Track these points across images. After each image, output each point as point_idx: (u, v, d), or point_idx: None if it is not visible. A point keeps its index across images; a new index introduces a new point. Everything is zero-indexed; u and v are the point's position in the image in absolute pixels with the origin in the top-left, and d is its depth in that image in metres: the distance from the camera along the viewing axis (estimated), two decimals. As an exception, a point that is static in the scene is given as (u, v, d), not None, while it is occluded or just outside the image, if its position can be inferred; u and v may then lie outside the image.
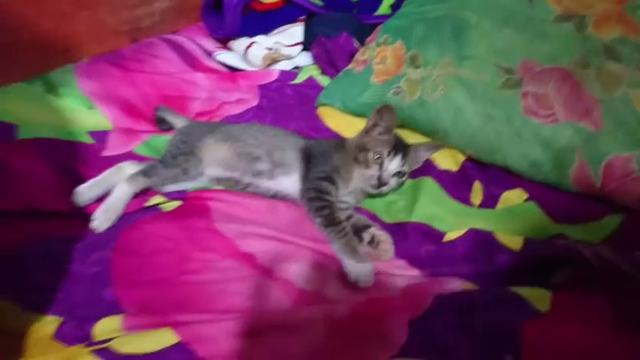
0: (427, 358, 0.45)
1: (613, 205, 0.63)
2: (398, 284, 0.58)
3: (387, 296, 0.53)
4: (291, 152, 0.71)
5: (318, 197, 0.65)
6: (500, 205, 0.68)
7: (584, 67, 0.69)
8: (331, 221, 0.63)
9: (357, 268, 0.58)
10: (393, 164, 0.68)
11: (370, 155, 0.68)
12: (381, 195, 0.71)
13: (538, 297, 0.49)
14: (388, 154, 0.68)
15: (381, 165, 0.68)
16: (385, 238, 0.64)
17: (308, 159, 0.71)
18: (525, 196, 0.68)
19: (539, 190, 0.68)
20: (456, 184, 0.74)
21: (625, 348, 0.44)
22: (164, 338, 0.47)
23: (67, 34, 0.95)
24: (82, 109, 0.88)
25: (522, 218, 0.65)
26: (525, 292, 0.50)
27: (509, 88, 0.73)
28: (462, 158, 0.77)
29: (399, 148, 0.70)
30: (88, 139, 0.82)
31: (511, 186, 0.70)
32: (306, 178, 0.69)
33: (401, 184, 0.71)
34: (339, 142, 0.76)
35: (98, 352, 0.47)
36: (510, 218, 0.66)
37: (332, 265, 0.59)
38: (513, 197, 0.68)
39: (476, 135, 0.74)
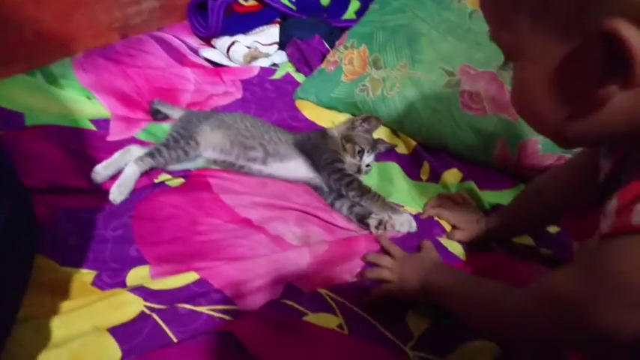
0: None
1: (523, 177, 0.83)
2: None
3: (354, 237, 0.70)
4: (285, 147, 0.84)
5: (342, 176, 0.77)
6: (441, 182, 0.85)
7: (506, 71, 0.87)
8: (363, 190, 0.75)
9: (400, 219, 0.72)
10: (369, 158, 0.86)
11: (356, 147, 0.84)
12: None
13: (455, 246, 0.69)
14: (368, 151, 0.85)
15: (361, 157, 0.84)
16: (388, 217, 0.72)
17: (306, 153, 0.83)
18: (461, 175, 0.84)
19: (470, 168, 0.86)
20: (409, 165, 0.90)
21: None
22: (187, 277, 0.59)
23: (66, 30, 1.02)
24: (82, 99, 0.94)
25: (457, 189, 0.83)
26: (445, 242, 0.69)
27: (450, 87, 0.89)
28: (413, 144, 0.93)
29: (374, 146, 0.87)
30: (91, 126, 0.89)
31: (450, 166, 0.86)
32: (319, 167, 0.81)
33: (367, 172, 0.88)
34: (320, 132, 0.90)
35: (133, 290, 0.56)
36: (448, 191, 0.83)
37: (314, 222, 0.74)
38: (451, 176, 0.84)
39: (424, 124, 0.91)
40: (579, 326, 0.35)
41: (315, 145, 0.84)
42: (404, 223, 0.71)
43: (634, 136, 0.34)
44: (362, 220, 0.74)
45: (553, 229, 0.74)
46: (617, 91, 0.30)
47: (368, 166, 0.87)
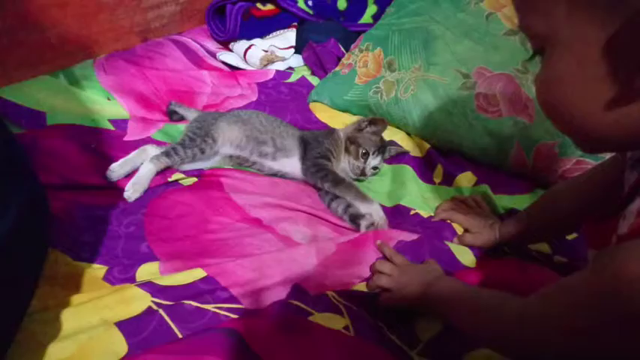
0: None
1: (540, 182, 0.81)
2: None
3: (363, 237, 0.69)
4: (291, 140, 0.85)
5: (319, 169, 0.79)
6: (454, 185, 0.83)
7: (523, 73, 0.85)
8: (337, 181, 0.77)
9: (371, 209, 0.73)
10: (375, 161, 0.85)
11: (360, 150, 0.83)
12: (359, 180, 0.86)
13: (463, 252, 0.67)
14: (373, 153, 0.83)
15: (365, 160, 0.84)
16: (382, 222, 0.73)
17: (305, 146, 0.84)
18: (475, 179, 0.83)
19: (484, 172, 0.84)
20: (422, 168, 0.89)
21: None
22: (195, 274, 0.59)
23: (88, 33, 1.06)
24: (102, 100, 0.97)
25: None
26: (454, 248, 0.68)
27: (465, 90, 0.88)
28: (427, 146, 0.92)
29: (381, 149, 0.85)
30: (110, 126, 0.92)
31: (464, 169, 0.85)
32: (304, 159, 0.82)
33: (374, 174, 0.87)
34: (328, 130, 0.90)
35: (141, 285, 0.57)
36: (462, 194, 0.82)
37: (323, 223, 0.74)
38: (464, 179, 0.83)
39: (438, 127, 0.90)
40: (588, 335, 0.33)
41: (314, 140, 0.85)
42: (372, 213, 0.72)
43: None
44: (354, 221, 0.74)
45: (570, 236, 0.72)
46: None
47: (376, 168, 0.86)
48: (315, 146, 0.83)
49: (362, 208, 0.73)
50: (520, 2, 0.36)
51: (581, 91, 0.33)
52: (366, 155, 0.84)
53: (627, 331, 0.30)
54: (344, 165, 0.85)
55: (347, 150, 0.85)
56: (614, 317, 0.30)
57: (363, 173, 0.84)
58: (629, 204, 0.32)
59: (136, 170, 0.78)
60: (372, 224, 0.72)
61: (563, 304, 0.35)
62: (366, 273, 0.64)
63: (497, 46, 0.90)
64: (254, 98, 1.08)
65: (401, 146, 0.94)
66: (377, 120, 0.86)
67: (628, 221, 0.31)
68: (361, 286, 0.63)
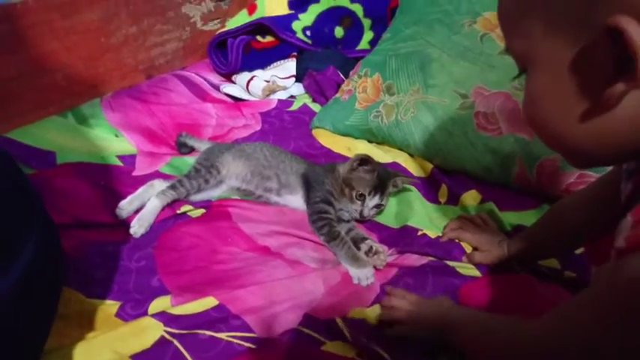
0: None
1: (545, 197, 0.81)
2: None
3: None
4: (294, 177, 0.84)
5: (318, 218, 0.76)
6: (460, 204, 0.84)
7: (521, 90, 0.87)
8: (332, 236, 0.73)
9: (358, 273, 0.68)
10: (374, 201, 0.79)
11: (354, 192, 0.79)
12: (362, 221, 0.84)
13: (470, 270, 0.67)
14: (369, 194, 0.78)
15: (363, 202, 0.79)
16: (382, 250, 0.73)
17: (307, 185, 0.83)
18: (480, 197, 0.83)
19: (489, 189, 0.85)
20: (427, 188, 0.90)
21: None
22: (206, 302, 0.60)
23: (94, 73, 1.09)
24: (110, 137, 1.00)
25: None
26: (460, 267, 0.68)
27: (464, 109, 0.90)
28: (430, 167, 0.92)
29: (379, 186, 0.79)
30: (118, 162, 0.94)
31: (469, 188, 0.85)
32: (308, 203, 0.81)
33: (379, 212, 0.83)
34: (330, 167, 0.87)
35: (154, 315, 0.58)
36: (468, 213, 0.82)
37: (328, 249, 0.74)
38: (470, 197, 0.83)
39: (440, 148, 0.91)
40: (595, 354, 0.33)
41: (315, 181, 0.83)
42: (361, 278, 0.68)
43: None
44: (355, 244, 0.74)
45: (579, 250, 0.71)
46: (626, 90, 0.30)
47: (380, 206, 0.81)
48: (316, 188, 0.81)
49: (351, 270, 0.69)
50: (503, 26, 0.39)
51: (557, 107, 0.35)
52: (362, 197, 0.79)
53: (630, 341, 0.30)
54: (344, 205, 0.82)
55: (343, 192, 0.80)
56: (616, 331, 0.31)
57: (361, 216, 0.80)
58: (624, 216, 0.33)
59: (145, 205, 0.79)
60: (371, 250, 0.72)
61: (564, 332, 0.36)
62: (370, 299, 0.65)
63: (493, 65, 0.92)
64: (258, 128, 1.10)
65: (408, 176, 0.91)
66: (367, 159, 0.80)
67: (623, 234, 0.32)
68: (367, 312, 0.63)
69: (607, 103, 0.31)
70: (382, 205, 0.82)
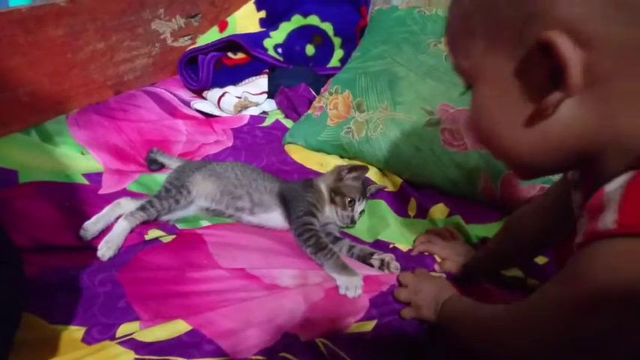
0: (382, 320, 0.62)
1: (509, 210, 0.84)
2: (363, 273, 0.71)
3: None
4: (268, 195, 0.84)
5: (304, 230, 0.76)
6: (428, 217, 0.86)
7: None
8: (318, 247, 0.73)
9: (346, 281, 0.67)
10: (362, 206, 0.85)
11: (346, 199, 0.83)
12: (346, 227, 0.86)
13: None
14: (359, 199, 0.84)
15: (353, 207, 0.84)
16: (390, 258, 0.74)
17: (285, 203, 0.83)
18: (447, 210, 0.86)
19: (456, 203, 0.87)
20: (397, 202, 0.92)
21: None
22: (178, 327, 0.58)
23: (60, 90, 1.06)
24: (76, 155, 0.96)
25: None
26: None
27: (431, 126, 0.93)
28: (399, 181, 0.95)
29: (364, 193, 0.86)
30: (84, 181, 0.91)
31: (437, 202, 0.88)
32: (290, 219, 0.81)
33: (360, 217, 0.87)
34: (306, 182, 0.88)
35: (122, 343, 0.56)
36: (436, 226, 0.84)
37: (311, 266, 0.73)
38: (438, 211, 0.86)
39: (409, 163, 0.93)
40: (558, 338, 0.35)
41: (294, 197, 0.83)
42: (349, 287, 0.66)
43: (589, 155, 0.35)
44: (364, 261, 0.74)
45: (541, 260, 0.74)
46: (561, 99, 0.32)
47: (362, 212, 0.87)
48: (298, 203, 0.82)
49: (339, 279, 0.68)
50: (450, 46, 0.42)
51: (501, 117, 0.37)
52: (352, 203, 0.83)
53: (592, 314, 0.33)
54: (329, 214, 0.85)
55: (333, 201, 0.84)
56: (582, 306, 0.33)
57: (352, 221, 0.84)
58: (582, 216, 0.35)
59: (112, 225, 0.76)
60: (383, 263, 0.73)
61: (535, 312, 0.39)
62: (358, 315, 0.64)
63: (457, 83, 0.93)
64: (230, 144, 1.10)
65: (375, 182, 0.96)
66: (357, 167, 0.86)
67: (582, 231, 0.34)
68: (353, 328, 0.62)
69: (545, 112, 0.33)
70: (364, 210, 0.86)
